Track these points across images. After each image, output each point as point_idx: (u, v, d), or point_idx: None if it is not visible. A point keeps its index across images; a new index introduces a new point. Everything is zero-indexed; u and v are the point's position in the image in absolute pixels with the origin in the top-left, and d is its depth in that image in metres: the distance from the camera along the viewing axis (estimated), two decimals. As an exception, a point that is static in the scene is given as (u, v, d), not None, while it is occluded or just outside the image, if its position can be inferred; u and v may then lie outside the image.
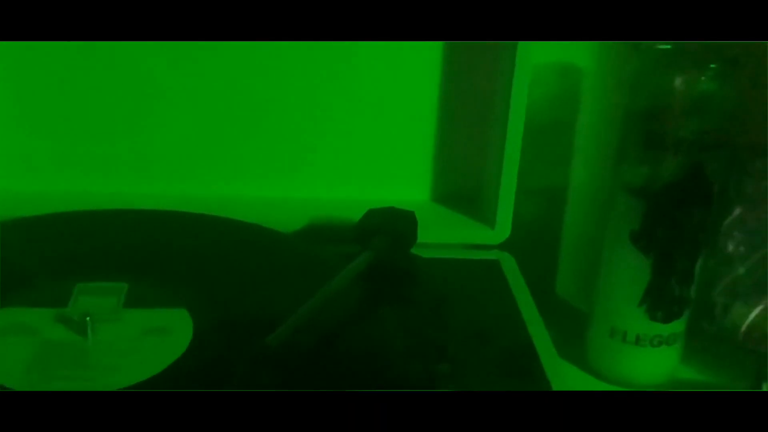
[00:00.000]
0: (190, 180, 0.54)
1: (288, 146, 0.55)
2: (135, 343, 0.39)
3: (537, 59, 0.55)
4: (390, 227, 0.46)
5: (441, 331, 0.43)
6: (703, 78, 0.47)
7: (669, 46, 0.48)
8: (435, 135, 0.55)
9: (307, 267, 0.46)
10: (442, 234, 0.53)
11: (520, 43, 0.51)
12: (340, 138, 0.55)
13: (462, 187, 0.56)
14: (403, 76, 0.54)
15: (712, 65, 0.47)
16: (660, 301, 0.51)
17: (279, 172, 0.55)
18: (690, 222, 0.49)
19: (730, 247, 0.59)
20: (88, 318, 0.39)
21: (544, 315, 0.60)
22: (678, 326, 0.52)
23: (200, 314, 0.41)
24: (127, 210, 0.50)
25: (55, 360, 0.38)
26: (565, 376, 0.42)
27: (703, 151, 0.48)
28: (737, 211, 0.58)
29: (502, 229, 0.53)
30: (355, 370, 0.37)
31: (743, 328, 0.59)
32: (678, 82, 0.47)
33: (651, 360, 0.52)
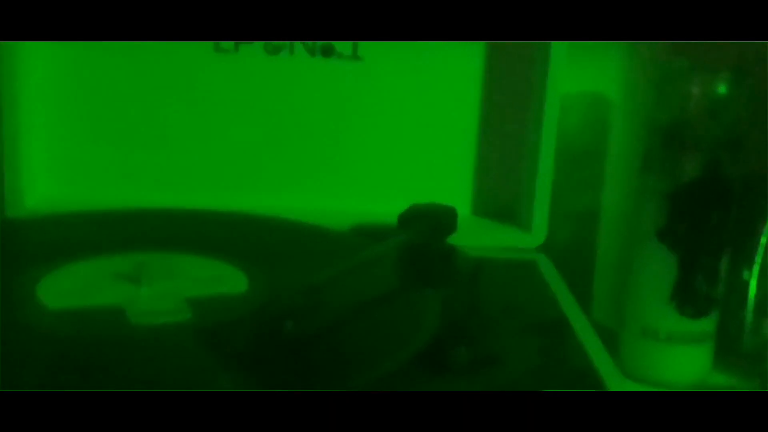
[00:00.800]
0: (238, 191, 0.59)
1: (333, 160, 0.59)
2: (191, 287, 0.43)
3: (567, 89, 0.60)
4: (429, 214, 0.50)
5: (474, 316, 0.45)
6: (716, 85, 0.51)
7: (686, 61, 0.53)
8: (474, 153, 0.60)
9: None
10: (481, 239, 0.57)
11: (551, 70, 0.56)
12: (385, 155, 0.60)
13: (499, 202, 0.60)
14: (443, 100, 0.59)
15: (724, 73, 0.51)
16: (688, 298, 0.53)
17: (322, 185, 0.60)
18: (710, 220, 0.52)
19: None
20: (144, 267, 0.43)
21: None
22: (707, 325, 0.54)
23: (256, 277, 0.44)
24: (190, 209, 0.55)
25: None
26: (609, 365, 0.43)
27: (721, 152, 0.52)
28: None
29: (539, 232, 0.56)
30: (380, 347, 0.40)
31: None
32: (694, 89, 0.52)
33: (683, 358, 0.54)
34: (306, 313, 0.39)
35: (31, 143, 0.57)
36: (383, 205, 0.60)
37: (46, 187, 0.58)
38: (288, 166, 0.60)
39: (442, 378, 0.39)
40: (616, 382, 0.39)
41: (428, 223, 0.51)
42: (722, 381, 0.56)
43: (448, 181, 0.61)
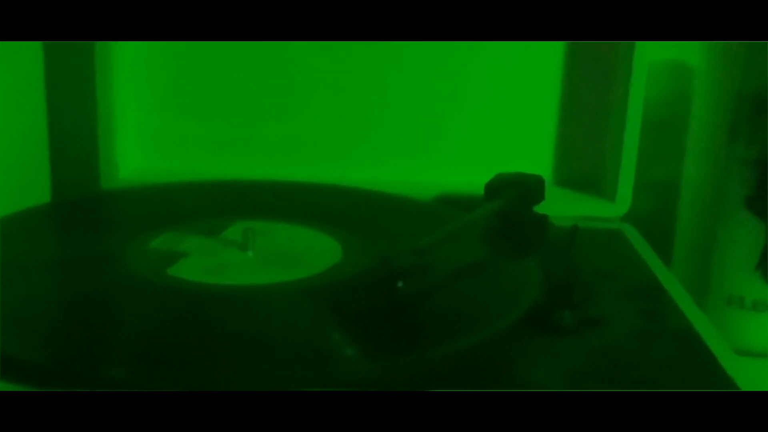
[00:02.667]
0: (325, 164, 0.60)
1: (417, 133, 0.60)
2: (293, 255, 0.44)
3: (653, 57, 0.61)
4: (518, 182, 0.51)
5: (573, 281, 0.46)
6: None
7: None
8: (556, 123, 0.60)
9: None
10: (565, 209, 0.57)
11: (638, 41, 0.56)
12: (468, 127, 0.61)
13: (583, 172, 0.60)
14: (526, 68, 0.60)
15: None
16: (776, 266, 0.53)
17: (407, 157, 0.60)
18: (801, 186, 0.52)
19: None
20: (249, 232, 0.44)
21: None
22: (794, 292, 0.54)
23: (351, 246, 0.46)
24: (277, 181, 0.56)
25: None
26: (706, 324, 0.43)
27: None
28: None
29: (623, 202, 0.57)
30: (488, 309, 0.41)
31: None
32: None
33: (768, 326, 0.55)
34: (415, 273, 0.40)
35: (124, 116, 0.59)
36: (467, 176, 0.61)
37: (138, 160, 0.60)
38: (374, 139, 0.61)
39: (549, 338, 0.40)
40: (718, 345, 0.39)
41: (517, 191, 0.52)
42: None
43: (531, 151, 0.61)
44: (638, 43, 0.55)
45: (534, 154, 0.61)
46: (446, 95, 0.61)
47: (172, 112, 0.61)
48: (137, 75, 0.59)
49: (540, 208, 0.58)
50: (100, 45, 0.57)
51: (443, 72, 0.60)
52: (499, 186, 0.52)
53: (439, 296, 0.41)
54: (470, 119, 0.61)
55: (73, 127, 0.62)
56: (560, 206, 0.59)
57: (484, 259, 0.47)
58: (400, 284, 0.38)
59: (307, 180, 0.58)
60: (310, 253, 0.45)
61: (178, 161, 0.61)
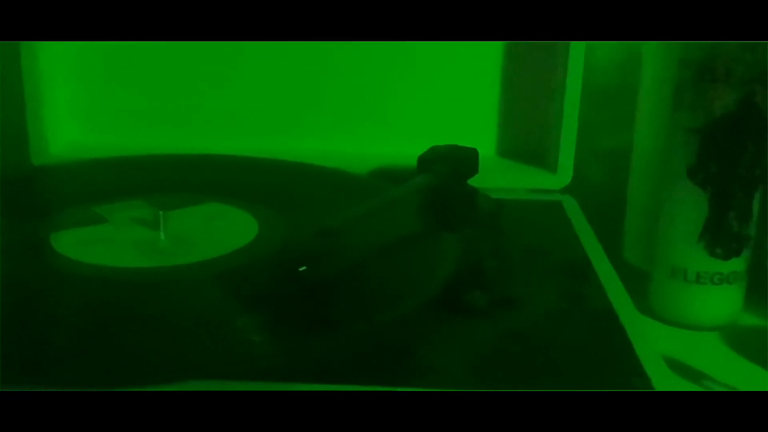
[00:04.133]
0: (264, 135, 0.59)
1: (359, 104, 0.59)
2: (205, 234, 0.43)
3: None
4: (450, 156, 0.49)
5: (494, 259, 0.45)
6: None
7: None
8: (499, 93, 0.59)
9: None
10: (506, 180, 0.56)
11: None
12: (410, 97, 0.59)
13: (527, 144, 0.59)
14: (471, 42, 0.58)
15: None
16: (718, 237, 0.52)
17: (348, 128, 0.59)
18: (742, 157, 0.50)
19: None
20: (161, 212, 0.43)
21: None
22: (739, 265, 0.53)
23: (269, 222, 0.44)
24: (212, 155, 0.54)
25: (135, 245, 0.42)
26: (629, 308, 0.43)
27: (755, 86, 0.49)
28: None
29: (564, 173, 0.55)
30: (395, 290, 0.39)
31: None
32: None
33: (712, 299, 0.53)
34: (321, 256, 0.39)
35: (54, 90, 0.58)
36: (409, 147, 0.59)
37: (69, 134, 0.59)
38: (313, 110, 0.60)
39: (460, 321, 0.38)
40: (633, 324, 0.38)
41: (449, 165, 0.50)
42: (754, 321, 0.55)
43: (474, 122, 0.60)
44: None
45: (478, 126, 0.60)
46: (389, 67, 0.59)
47: (105, 84, 0.59)
48: (67, 46, 0.58)
49: (481, 180, 0.57)
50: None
51: (387, 43, 0.58)
52: (432, 159, 0.51)
53: (348, 278, 0.39)
54: (413, 91, 0.59)
55: (0, 101, 0.61)
56: (502, 178, 0.58)
57: (411, 234, 0.46)
58: (302, 269, 0.37)
59: (244, 153, 0.56)
60: (224, 231, 0.44)
61: (112, 134, 0.60)
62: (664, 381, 0.33)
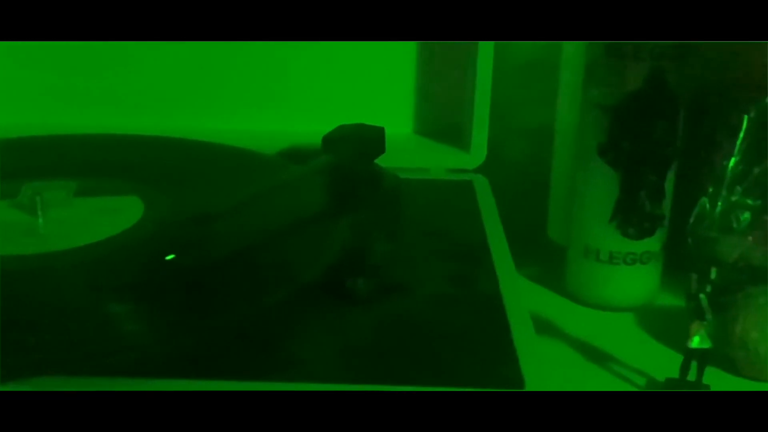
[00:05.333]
0: (173, 114, 0.57)
1: (273, 80, 0.57)
2: (85, 219, 0.41)
3: None
4: (354, 136, 0.48)
5: (389, 242, 0.43)
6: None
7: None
8: (415, 69, 0.57)
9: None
10: (423, 159, 0.55)
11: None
12: (327, 77, 0.57)
13: (442, 122, 0.58)
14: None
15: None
16: (631, 217, 0.51)
17: (262, 106, 0.57)
18: (654, 134, 0.49)
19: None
20: (37, 197, 0.41)
21: (534, 255, 0.62)
22: (652, 245, 0.52)
23: (155, 205, 0.42)
24: (110, 135, 0.53)
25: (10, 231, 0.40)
26: (521, 289, 0.41)
27: (665, 62, 0.48)
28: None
29: (478, 152, 0.54)
30: (273, 277, 0.38)
31: (730, 260, 0.58)
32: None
33: (626, 280, 0.52)
34: (195, 243, 0.37)
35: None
36: (324, 126, 0.57)
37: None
38: (228, 88, 0.58)
39: (338, 309, 0.37)
40: (518, 314, 0.37)
41: (353, 145, 0.49)
42: (672, 302, 0.54)
43: (391, 99, 0.58)
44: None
45: (395, 104, 0.58)
46: (305, 44, 0.57)
47: (4, 63, 0.57)
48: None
49: (397, 159, 0.56)
50: None
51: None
52: (337, 139, 0.49)
53: (228, 265, 0.38)
54: (329, 68, 0.57)
55: None
56: (419, 157, 0.56)
57: (303, 218, 0.44)
58: (169, 257, 0.36)
59: (149, 132, 0.54)
60: (107, 216, 0.42)
61: (7, 114, 0.58)
62: (534, 371, 0.32)
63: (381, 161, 0.51)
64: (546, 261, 0.58)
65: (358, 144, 0.48)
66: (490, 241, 0.43)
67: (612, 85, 0.50)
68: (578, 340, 0.50)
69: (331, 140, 0.48)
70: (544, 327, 0.52)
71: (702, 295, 0.42)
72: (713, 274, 0.42)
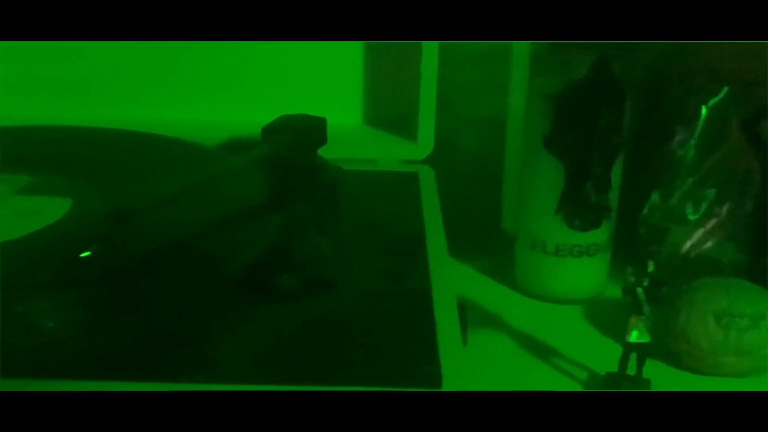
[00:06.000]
0: (118, 103, 0.55)
1: (222, 70, 0.56)
2: (10, 216, 0.40)
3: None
4: (294, 127, 0.47)
5: (322, 236, 0.42)
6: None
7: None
8: (365, 61, 0.56)
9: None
10: (370, 150, 0.54)
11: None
12: (275, 67, 0.56)
13: (391, 112, 0.56)
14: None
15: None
16: (577, 209, 0.50)
17: (212, 96, 0.56)
18: (600, 124, 0.48)
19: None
20: None
21: (487, 247, 0.61)
22: (599, 236, 0.51)
23: (84, 200, 0.41)
24: (47, 126, 0.51)
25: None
26: (452, 276, 0.40)
27: (610, 50, 0.47)
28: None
29: (425, 143, 0.53)
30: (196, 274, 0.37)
31: (682, 251, 0.57)
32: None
33: (573, 272, 0.51)
34: (113, 239, 0.37)
35: None
36: (272, 117, 0.57)
37: None
38: (177, 77, 0.56)
39: (266, 305, 0.36)
40: (446, 311, 0.36)
41: (293, 135, 0.48)
42: (620, 294, 0.53)
43: (340, 89, 0.56)
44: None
45: (344, 94, 0.57)
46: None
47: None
48: None
49: (345, 150, 0.55)
50: None
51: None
52: (276, 129, 0.48)
53: (151, 261, 0.37)
54: (277, 59, 0.56)
55: None
56: (367, 148, 0.55)
57: (238, 212, 0.43)
58: (84, 254, 0.35)
59: (92, 124, 0.53)
60: (33, 210, 0.41)
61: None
62: (454, 370, 0.32)
63: (329, 152, 0.50)
64: (499, 253, 0.58)
65: (298, 134, 0.47)
66: (428, 234, 0.42)
67: (557, 74, 0.49)
68: (524, 333, 0.50)
69: (271, 130, 0.47)
70: (491, 320, 0.51)
71: (639, 289, 0.41)
72: (651, 267, 0.41)
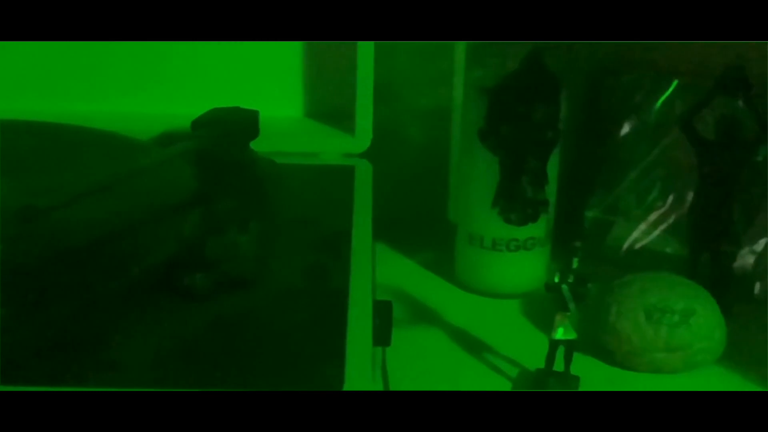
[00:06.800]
0: (52, 96, 0.55)
1: (163, 62, 0.55)
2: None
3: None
4: (226, 119, 0.46)
5: (245, 233, 0.42)
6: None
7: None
8: (305, 53, 0.55)
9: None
10: (311, 144, 0.53)
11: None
12: (216, 59, 0.55)
13: (331, 105, 0.56)
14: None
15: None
16: (513, 203, 0.49)
17: (152, 89, 0.55)
18: (534, 117, 0.48)
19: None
20: None
21: (433, 239, 0.60)
22: (536, 230, 0.51)
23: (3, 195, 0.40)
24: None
25: None
26: (369, 283, 0.39)
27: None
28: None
29: (363, 136, 0.52)
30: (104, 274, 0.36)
31: (625, 245, 0.57)
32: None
33: (509, 266, 0.51)
34: (21, 238, 0.36)
35: None
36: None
37: None
38: (114, 69, 0.55)
39: (177, 305, 0.36)
40: (362, 310, 0.35)
41: (223, 128, 0.47)
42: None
43: (281, 82, 0.56)
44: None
45: (285, 87, 0.56)
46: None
47: None
48: None
49: (285, 143, 0.55)
50: None
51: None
52: (206, 122, 0.47)
53: (62, 259, 0.36)
54: (218, 52, 0.55)
55: None
56: (307, 141, 0.55)
57: (161, 208, 0.42)
58: None
59: (21, 116, 0.52)
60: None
61: None
62: (357, 371, 0.31)
63: (267, 145, 0.49)
64: (444, 246, 0.57)
65: (227, 128, 0.46)
66: (355, 230, 0.42)
67: (492, 67, 0.48)
68: (460, 328, 0.49)
69: (200, 124, 0.46)
70: (429, 315, 0.51)
71: (564, 286, 0.40)
72: (575, 264, 0.40)
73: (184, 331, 0.34)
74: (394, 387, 0.42)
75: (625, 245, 0.56)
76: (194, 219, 0.40)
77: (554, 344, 0.42)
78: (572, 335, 0.42)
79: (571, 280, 0.41)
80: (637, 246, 0.56)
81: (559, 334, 0.42)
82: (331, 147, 0.53)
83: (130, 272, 0.35)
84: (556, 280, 0.41)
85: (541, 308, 0.51)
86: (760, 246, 0.53)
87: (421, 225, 0.60)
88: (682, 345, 0.44)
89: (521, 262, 0.51)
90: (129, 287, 0.35)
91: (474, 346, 0.47)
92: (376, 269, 0.55)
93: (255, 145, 0.48)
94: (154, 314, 0.35)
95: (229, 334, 0.34)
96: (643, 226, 0.56)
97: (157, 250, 0.36)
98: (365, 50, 0.51)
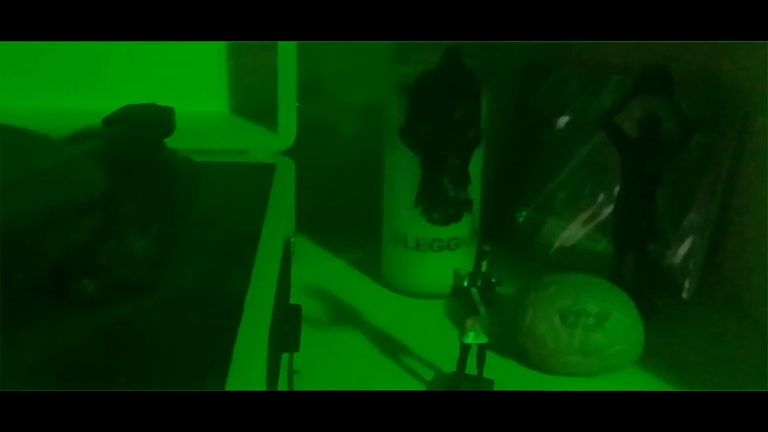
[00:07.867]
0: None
1: (85, 57, 0.53)
2: None
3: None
4: (139, 116, 0.45)
5: (144, 236, 0.40)
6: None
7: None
8: (230, 48, 0.54)
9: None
10: (236, 141, 0.52)
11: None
12: (138, 51, 0.54)
13: (257, 101, 0.55)
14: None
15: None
16: (435, 203, 0.48)
17: (72, 84, 0.54)
18: (455, 115, 0.47)
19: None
20: None
21: (367, 240, 0.60)
22: (460, 231, 0.50)
23: None
24: None
25: None
26: (270, 289, 0.37)
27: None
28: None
29: (287, 133, 0.51)
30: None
31: (555, 244, 0.56)
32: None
33: (433, 266, 0.50)
34: None
35: None
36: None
37: None
38: (38, 64, 0.54)
39: (65, 312, 0.35)
40: (257, 318, 0.34)
41: (135, 126, 0.46)
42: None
43: (206, 78, 0.54)
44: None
45: (210, 82, 0.54)
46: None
47: None
48: None
49: (210, 140, 0.54)
50: None
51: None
52: (117, 120, 0.46)
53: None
54: (142, 46, 0.53)
55: None
56: (232, 138, 0.54)
57: (50, 210, 0.40)
58: None
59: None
60: None
61: None
62: (242, 382, 0.30)
63: (189, 142, 0.48)
64: (375, 245, 0.56)
65: (138, 125, 0.45)
66: (264, 232, 0.41)
67: (411, 64, 0.48)
68: (381, 329, 0.49)
69: (110, 121, 0.45)
70: (351, 315, 0.50)
71: (474, 290, 0.40)
72: (484, 268, 0.40)
73: (67, 339, 0.33)
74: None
75: (556, 244, 0.55)
76: (90, 221, 0.39)
77: (465, 348, 0.41)
78: (483, 339, 0.41)
79: (479, 283, 0.40)
80: (568, 245, 0.55)
81: (470, 338, 0.41)
82: (255, 144, 0.52)
83: (16, 277, 0.35)
84: (465, 284, 0.40)
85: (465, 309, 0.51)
86: (686, 246, 0.53)
87: (352, 224, 0.59)
88: (597, 349, 0.43)
89: (445, 263, 0.49)
90: (14, 294, 0.34)
91: (393, 347, 0.47)
92: (306, 269, 0.55)
93: (176, 143, 0.47)
94: (39, 321, 0.34)
95: (112, 343, 0.33)
96: (573, 225, 0.55)
97: (43, 255, 0.36)
98: (286, 49, 0.50)
